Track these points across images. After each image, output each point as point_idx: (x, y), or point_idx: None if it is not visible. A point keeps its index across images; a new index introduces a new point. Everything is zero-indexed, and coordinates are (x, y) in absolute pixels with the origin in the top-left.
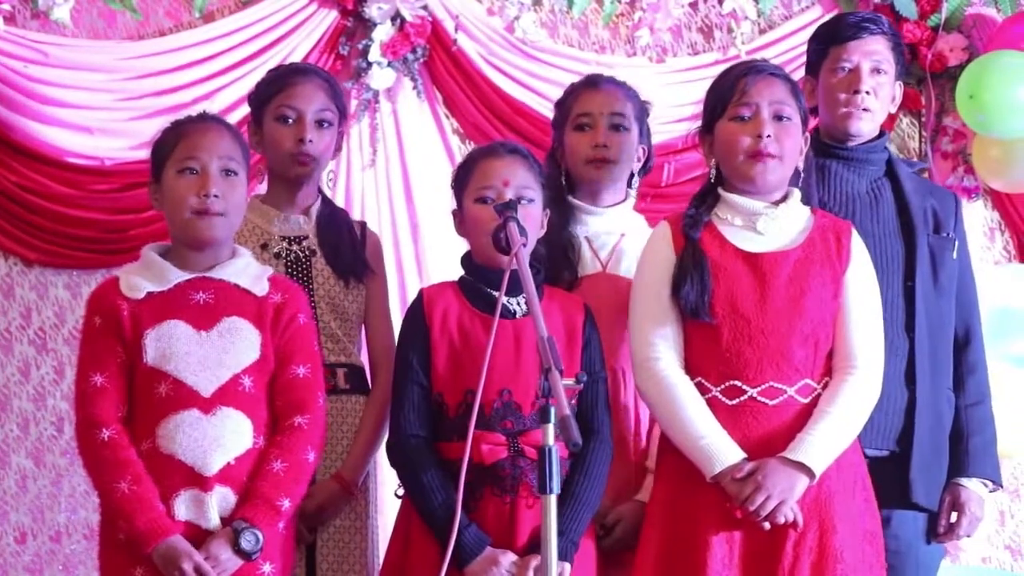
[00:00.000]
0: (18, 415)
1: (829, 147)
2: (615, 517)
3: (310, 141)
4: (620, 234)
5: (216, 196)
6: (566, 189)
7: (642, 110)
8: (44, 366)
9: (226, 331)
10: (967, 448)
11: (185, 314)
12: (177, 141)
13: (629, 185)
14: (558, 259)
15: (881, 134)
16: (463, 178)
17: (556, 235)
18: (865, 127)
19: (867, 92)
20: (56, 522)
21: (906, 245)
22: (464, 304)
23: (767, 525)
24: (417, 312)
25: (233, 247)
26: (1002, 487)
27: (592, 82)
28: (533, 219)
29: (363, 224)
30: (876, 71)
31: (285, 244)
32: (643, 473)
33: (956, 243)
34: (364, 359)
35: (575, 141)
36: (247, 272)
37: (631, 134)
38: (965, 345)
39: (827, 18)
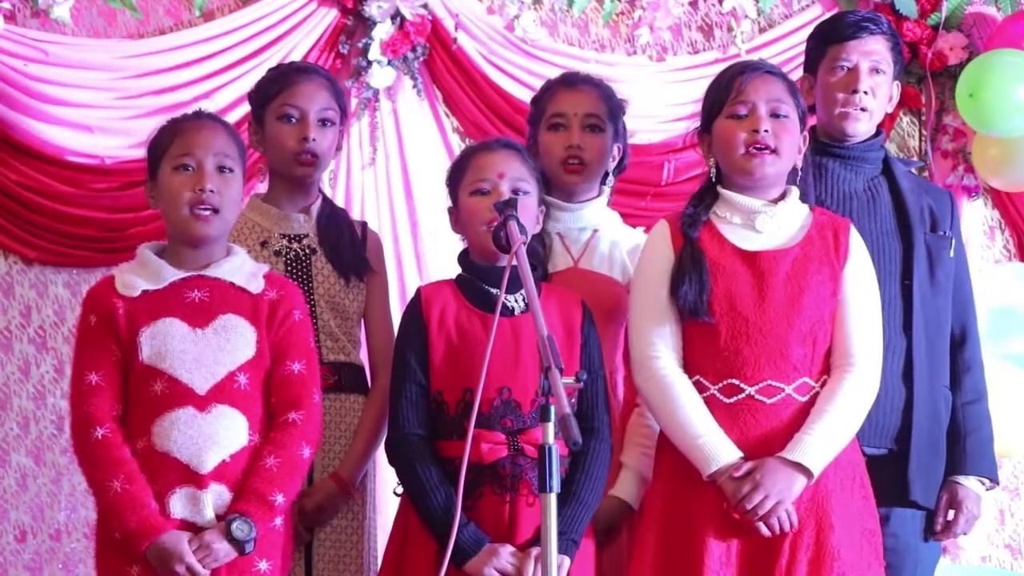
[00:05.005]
0: (18, 413)
1: (826, 146)
2: None
3: (313, 140)
4: (593, 229)
5: (212, 192)
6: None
7: (618, 108)
8: (44, 364)
9: (221, 328)
10: (964, 446)
11: (180, 312)
12: (172, 139)
13: (603, 183)
14: (528, 255)
15: (878, 133)
16: (458, 174)
17: None
18: (862, 127)
19: (865, 92)
20: (56, 520)
21: (903, 244)
22: (462, 302)
23: (764, 529)
24: (415, 311)
25: (228, 245)
26: (999, 484)
27: (567, 81)
28: (529, 212)
29: (364, 224)
30: (874, 71)
31: (285, 242)
32: (617, 469)
33: (953, 241)
34: (364, 358)
35: (549, 141)
36: (242, 270)
37: (606, 135)
38: (962, 343)
39: (827, 17)
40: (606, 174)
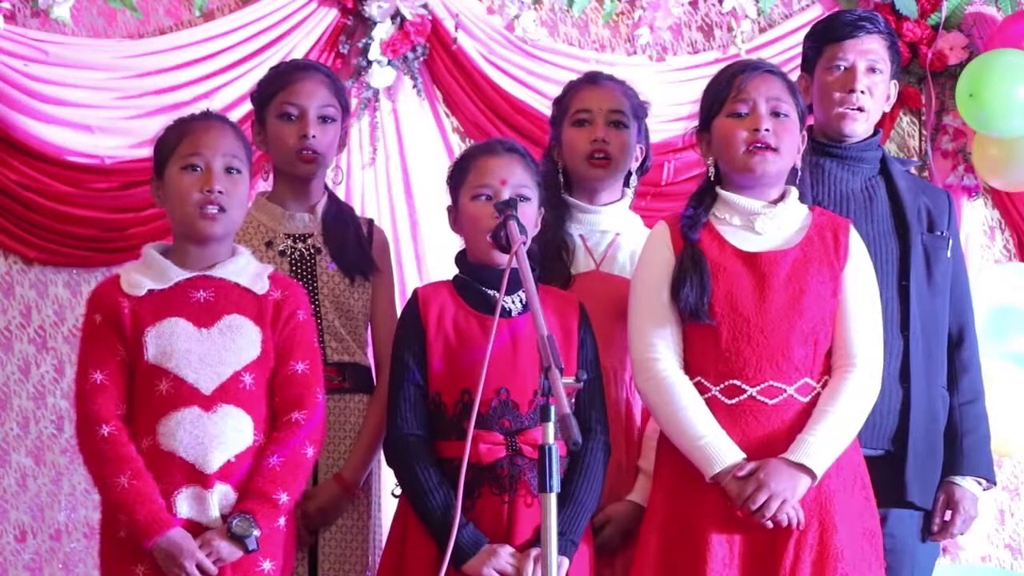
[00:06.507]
0: (18, 413)
1: (823, 145)
2: (603, 518)
3: (313, 137)
4: (615, 233)
5: (220, 192)
6: (563, 187)
7: (640, 109)
8: (44, 364)
9: (226, 328)
10: (961, 447)
11: (186, 312)
12: (180, 138)
13: (627, 184)
14: (552, 258)
15: (875, 132)
16: (459, 175)
17: (551, 233)
18: (859, 127)
19: (862, 91)
20: (56, 520)
21: (900, 244)
22: (459, 303)
23: (769, 523)
24: (412, 312)
25: (233, 246)
26: (995, 484)
27: (592, 79)
28: (529, 218)
29: (371, 222)
30: (871, 70)
31: (290, 242)
32: (634, 473)
33: (950, 241)
34: (370, 357)
35: (574, 137)
36: (247, 270)
37: (630, 132)
38: (959, 343)
39: (824, 16)
40: (628, 175)
